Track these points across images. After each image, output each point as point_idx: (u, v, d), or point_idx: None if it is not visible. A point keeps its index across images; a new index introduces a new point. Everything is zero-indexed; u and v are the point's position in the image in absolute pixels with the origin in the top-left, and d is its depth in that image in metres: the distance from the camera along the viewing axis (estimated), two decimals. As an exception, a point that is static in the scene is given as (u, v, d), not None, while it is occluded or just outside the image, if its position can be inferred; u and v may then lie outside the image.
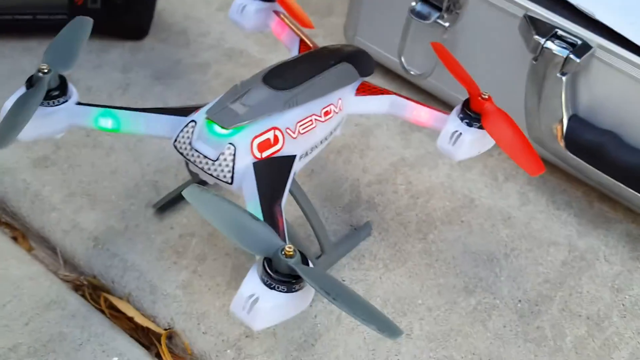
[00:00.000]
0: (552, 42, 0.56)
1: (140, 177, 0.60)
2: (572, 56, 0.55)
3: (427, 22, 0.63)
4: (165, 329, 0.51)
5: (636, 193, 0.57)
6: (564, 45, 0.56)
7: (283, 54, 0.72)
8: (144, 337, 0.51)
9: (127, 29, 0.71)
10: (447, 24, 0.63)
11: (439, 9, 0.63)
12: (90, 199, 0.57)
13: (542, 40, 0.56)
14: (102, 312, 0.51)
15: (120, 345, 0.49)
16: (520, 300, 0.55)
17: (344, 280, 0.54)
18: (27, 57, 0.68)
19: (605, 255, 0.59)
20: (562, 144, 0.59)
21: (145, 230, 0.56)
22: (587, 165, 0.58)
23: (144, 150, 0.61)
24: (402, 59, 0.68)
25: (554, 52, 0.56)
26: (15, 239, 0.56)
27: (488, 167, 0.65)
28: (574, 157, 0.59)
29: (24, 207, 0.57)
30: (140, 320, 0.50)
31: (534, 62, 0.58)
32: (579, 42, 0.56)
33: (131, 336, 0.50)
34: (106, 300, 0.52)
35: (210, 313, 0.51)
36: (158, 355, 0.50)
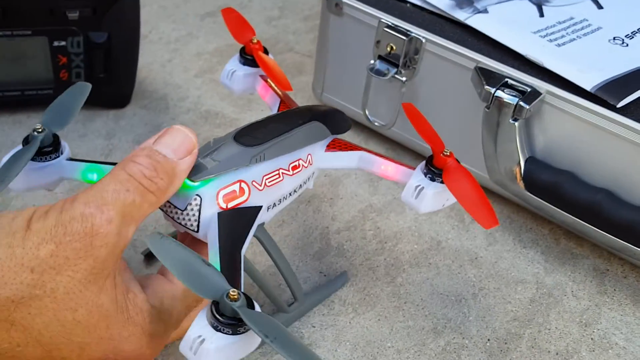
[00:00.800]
0: (503, 91, 0.57)
1: None
2: (521, 103, 0.56)
3: (386, 78, 0.64)
4: None
5: (596, 229, 0.57)
6: (514, 93, 0.57)
7: (256, 113, 0.74)
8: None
9: (110, 98, 0.71)
10: (404, 79, 0.64)
11: (397, 66, 0.63)
12: None
13: (492, 90, 0.57)
14: None
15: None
16: (489, 339, 0.54)
17: (313, 327, 0.53)
18: (16, 130, 0.69)
19: (573, 291, 0.59)
20: (521, 185, 0.59)
21: None
22: (548, 205, 0.58)
23: None
24: (366, 112, 0.69)
25: (505, 100, 0.57)
26: None
27: (454, 210, 0.64)
28: (535, 197, 0.59)
29: None
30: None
31: (487, 110, 0.58)
32: (529, 89, 0.57)
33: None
34: None
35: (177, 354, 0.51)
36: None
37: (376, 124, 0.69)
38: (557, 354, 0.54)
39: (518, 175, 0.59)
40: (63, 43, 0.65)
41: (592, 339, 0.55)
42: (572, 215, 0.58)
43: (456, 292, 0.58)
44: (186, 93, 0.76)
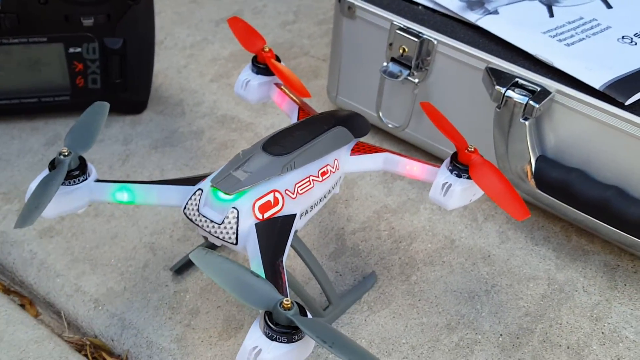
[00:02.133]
0: (513, 90, 0.57)
1: (138, 240, 0.60)
2: (531, 102, 0.56)
3: (399, 80, 0.64)
4: None
5: (607, 225, 0.57)
6: (524, 93, 0.57)
7: (272, 117, 0.75)
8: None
9: (126, 104, 0.72)
10: (417, 80, 0.64)
11: (409, 67, 0.64)
12: (92, 264, 0.58)
13: (503, 90, 0.57)
14: None
15: (120, 400, 0.49)
16: (501, 335, 0.55)
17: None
18: (34, 136, 0.70)
19: (584, 286, 0.59)
20: (532, 183, 0.59)
21: (142, 289, 0.57)
22: (559, 202, 0.59)
23: (141, 215, 0.62)
24: (380, 114, 0.69)
25: (515, 99, 0.57)
26: (23, 306, 0.56)
27: (467, 209, 0.65)
28: (546, 195, 0.59)
29: (31, 276, 0.58)
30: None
31: (498, 110, 0.58)
32: (539, 88, 0.57)
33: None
34: (105, 359, 0.53)
35: None
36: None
37: (390, 125, 0.70)
38: (568, 347, 0.54)
39: (529, 174, 0.59)
40: (79, 49, 0.65)
41: (602, 332, 0.55)
42: (583, 212, 0.58)
43: (469, 289, 0.58)
44: (202, 98, 0.77)
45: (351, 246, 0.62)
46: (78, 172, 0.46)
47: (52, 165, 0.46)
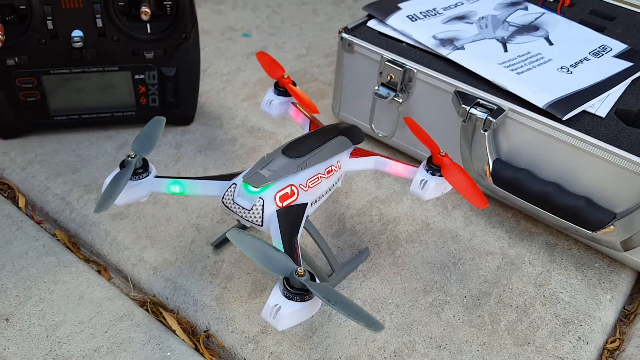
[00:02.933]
0: (475, 108, 0.57)
1: (186, 222, 0.60)
2: (490, 118, 0.56)
3: (387, 100, 0.63)
4: (204, 331, 0.51)
5: (548, 213, 0.57)
6: (484, 110, 0.56)
7: (289, 128, 0.74)
8: (189, 337, 0.51)
9: (178, 118, 0.71)
10: (401, 100, 0.63)
11: (395, 90, 0.63)
12: (151, 240, 0.58)
13: (467, 108, 0.57)
14: (160, 321, 0.52)
15: (172, 344, 0.49)
16: (465, 297, 0.54)
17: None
18: (108, 142, 0.69)
19: (530, 260, 0.59)
20: (490, 180, 0.59)
21: (190, 259, 0.56)
22: (511, 195, 0.58)
23: (189, 203, 0.62)
24: (372, 126, 0.68)
25: (477, 115, 0.56)
26: (99, 271, 0.56)
27: (440, 200, 0.64)
28: (501, 189, 0.59)
29: (105, 249, 0.57)
30: (179, 333, 0.50)
31: (464, 123, 0.58)
32: (495, 107, 0.56)
33: (180, 337, 0.50)
34: (161, 312, 0.53)
35: (236, 317, 0.51)
36: (198, 350, 0.50)
37: (380, 135, 0.69)
38: (517, 307, 0.54)
39: (488, 173, 0.59)
40: (142, 76, 0.65)
41: (544, 296, 0.55)
42: (529, 203, 0.58)
43: (441, 262, 0.58)
44: (235, 113, 0.76)
45: (349, 227, 0.61)
46: (142, 170, 0.46)
47: (122, 165, 0.46)
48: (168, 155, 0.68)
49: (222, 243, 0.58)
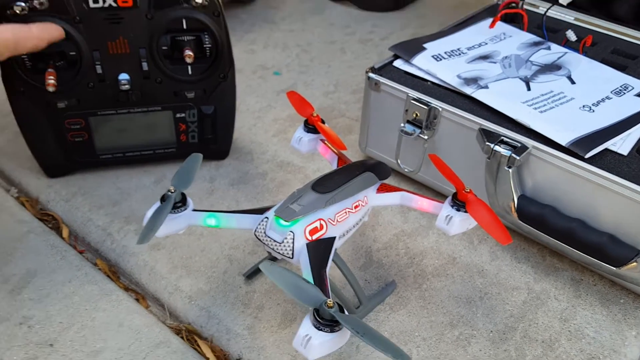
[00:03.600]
0: (499, 146, 0.58)
1: (219, 253, 0.62)
2: (514, 155, 0.57)
3: (413, 136, 0.65)
4: (237, 359, 0.52)
5: (572, 249, 0.57)
6: (508, 148, 0.57)
7: (317, 163, 0.75)
8: (223, 365, 0.52)
9: (214, 153, 0.73)
10: (426, 137, 0.65)
11: (420, 127, 0.65)
12: (187, 270, 0.60)
13: (492, 145, 0.58)
14: (195, 349, 0.53)
15: (206, 371, 0.50)
16: (491, 331, 0.55)
17: (361, 320, 0.55)
18: (146, 176, 0.71)
19: (555, 295, 0.59)
20: (515, 216, 0.59)
21: (223, 289, 0.58)
22: (536, 230, 0.59)
23: (222, 235, 0.64)
24: (398, 161, 0.70)
25: (501, 153, 0.57)
26: (137, 300, 0.58)
27: (466, 234, 0.65)
28: (526, 225, 0.59)
29: (144, 278, 0.60)
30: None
31: (488, 160, 0.59)
32: (519, 144, 0.57)
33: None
34: (196, 340, 0.54)
35: (267, 346, 0.52)
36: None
37: (406, 170, 0.70)
38: (542, 342, 0.54)
39: (513, 209, 0.59)
40: (183, 115, 0.67)
41: (569, 331, 0.55)
42: (554, 239, 0.58)
43: (467, 296, 0.58)
44: (266, 148, 0.78)
45: (376, 260, 0.62)
46: (181, 204, 0.48)
47: (163, 199, 0.48)
48: (202, 188, 0.71)
49: (253, 274, 0.59)
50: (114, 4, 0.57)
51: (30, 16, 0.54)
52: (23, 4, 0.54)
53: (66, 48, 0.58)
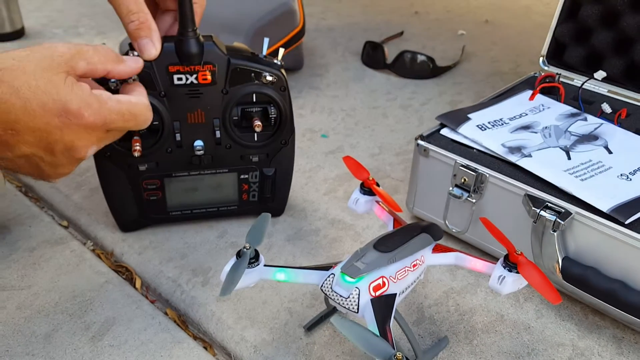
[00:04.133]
0: (545, 211, 0.61)
1: (280, 306, 0.65)
2: (558, 220, 0.60)
3: (461, 199, 0.69)
4: None
5: (614, 308, 0.60)
6: (553, 213, 0.60)
7: (366, 220, 0.78)
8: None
9: (272, 210, 0.75)
10: (474, 201, 0.68)
11: (468, 191, 0.69)
12: (251, 321, 0.63)
13: (538, 210, 0.61)
14: None
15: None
16: (540, 386, 0.57)
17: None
18: (210, 231, 0.75)
19: (599, 352, 0.61)
20: (560, 276, 0.62)
21: (284, 340, 0.61)
22: (580, 290, 0.62)
23: (281, 288, 0.67)
24: (446, 222, 0.73)
25: (546, 217, 0.61)
26: (205, 348, 0.62)
27: (512, 293, 0.67)
28: (570, 285, 0.62)
29: (211, 327, 0.63)
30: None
31: (534, 224, 0.62)
32: (563, 210, 0.61)
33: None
34: None
35: None
36: None
37: (454, 230, 0.73)
38: (590, 398, 0.56)
39: (557, 269, 0.62)
40: (246, 176, 0.72)
41: (615, 388, 0.57)
42: (597, 298, 0.61)
43: (515, 351, 0.61)
44: (318, 206, 0.82)
45: (428, 316, 0.65)
46: (254, 259, 0.51)
47: (238, 254, 0.51)
48: (261, 243, 0.75)
49: (313, 326, 0.62)
50: (195, 81, 0.64)
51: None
52: (117, 81, 0.60)
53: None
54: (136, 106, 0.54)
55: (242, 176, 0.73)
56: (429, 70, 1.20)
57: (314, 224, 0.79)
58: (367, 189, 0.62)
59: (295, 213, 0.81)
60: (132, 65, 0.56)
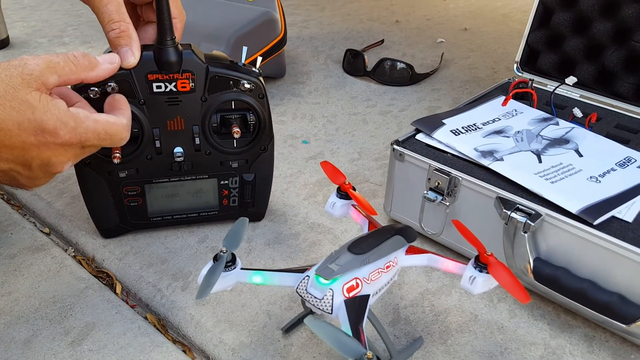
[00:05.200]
0: (515, 213, 0.62)
1: (258, 308, 0.65)
2: (529, 221, 0.61)
3: (435, 202, 0.70)
4: None
5: (585, 307, 0.60)
6: (523, 215, 0.61)
7: (345, 224, 0.79)
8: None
9: (252, 215, 0.77)
10: (448, 203, 0.69)
11: (442, 195, 0.69)
12: (230, 324, 0.63)
13: (509, 212, 0.62)
14: None
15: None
16: (513, 384, 0.57)
17: (392, 373, 0.58)
18: (191, 237, 0.76)
19: (570, 351, 0.62)
20: (531, 277, 0.63)
21: (262, 342, 0.61)
22: (550, 290, 0.62)
23: (260, 291, 0.67)
24: (422, 224, 0.74)
25: (517, 219, 0.61)
26: (184, 351, 0.62)
27: (486, 293, 0.68)
28: (541, 285, 0.63)
29: (190, 331, 0.63)
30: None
31: (505, 226, 0.63)
32: (533, 212, 0.62)
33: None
34: None
35: None
36: None
37: (429, 232, 0.74)
38: (561, 396, 0.56)
39: (529, 270, 0.63)
40: (226, 182, 0.73)
41: (586, 386, 0.57)
42: (568, 298, 0.61)
43: (489, 351, 0.61)
44: (298, 211, 0.82)
45: (404, 317, 0.65)
46: (231, 263, 0.51)
47: (215, 258, 0.51)
48: (241, 248, 0.75)
49: (290, 328, 0.63)
50: (174, 89, 0.64)
51: (102, 100, 0.60)
52: (96, 89, 0.61)
53: (131, 126, 0.64)
54: (113, 126, 0.54)
55: (222, 182, 0.73)
56: (408, 77, 1.21)
57: (293, 228, 0.79)
58: (343, 193, 0.63)
59: (275, 218, 0.81)
60: (106, 68, 0.55)
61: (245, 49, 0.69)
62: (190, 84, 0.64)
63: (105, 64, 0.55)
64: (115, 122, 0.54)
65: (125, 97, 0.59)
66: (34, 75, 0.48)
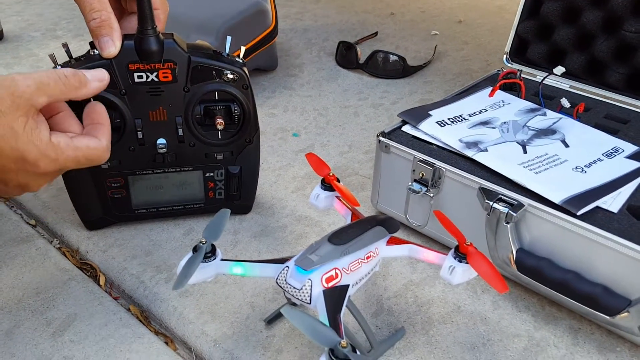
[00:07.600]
0: (497, 203, 0.61)
1: (242, 300, 0.65)
2: (511, 212, 0.60)
3: (419, 194, 0.69)
4: None
5: (568, 298, 0.60)
6: (506, 205, 0.61)
7: (332, 217, 0.79)
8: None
9: (238, 208, 0.77)
10: (432, 195, 0.69)
11: (426, 186, 0.69)
12: (212, 316, 0.63)
13: (491, 203, 0.62)
14: None
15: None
16: (494, 376, 0.57)
17: (373, 364, 0.58)
18: (176, 229, 0.76)
19: (554, 343, 0.61)
20: (514, 267, 0.63)
21: (245, 334, 0.61)
22: (534, 281, 0.62)
23: (245, 283, 0.67)
24: (407, 216, 0.74)
25: (500, 210, 0.61)
26: (166, 343, 0.62)
27: (470, 284, 0.68)
28: (524, 276, 0.62)
29: (172, 322, 0.63)
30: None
31: (488, 216, 0.63)
32: (516, 202, 0.61)
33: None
34: None
35: None
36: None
37: (414, 224, 0.74)
38: (543, 387, 0.56)
39: (512, 261, 0.63)
40: (212, 174, 0.72)
41: (569, 377, 0.57)
42: (551, 289, 0.61)
43: (471, 342, 0.61)
44: (286, 204, 0.82)
45: (387, 308, 0.65)
46: (211, 254, 0.51)
47: (195, 249, 0.51)
48: (227, 240, 0.75)
49: (273, 319, 0.63)
50: (155, 79, 0.64)
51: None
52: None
53: (112, 116, 0.64)
54: (93, 151, 0.54)
55: (207, 174, 0.73)
56: (401, 69, 1.20)
57: (280, 220, 0.79)
58: (327, 185, 0.62)
59: (263, 210, 0.81)
60: (95, 87, 0.55)
61: (229, 38, 0.68)
62: (172, 74, 0.64)
63: (95, 82, 0.55)
64: (96, 147, 0.55)
65: (104, 107, 0.58)
66: (24, 98, 0.48)
